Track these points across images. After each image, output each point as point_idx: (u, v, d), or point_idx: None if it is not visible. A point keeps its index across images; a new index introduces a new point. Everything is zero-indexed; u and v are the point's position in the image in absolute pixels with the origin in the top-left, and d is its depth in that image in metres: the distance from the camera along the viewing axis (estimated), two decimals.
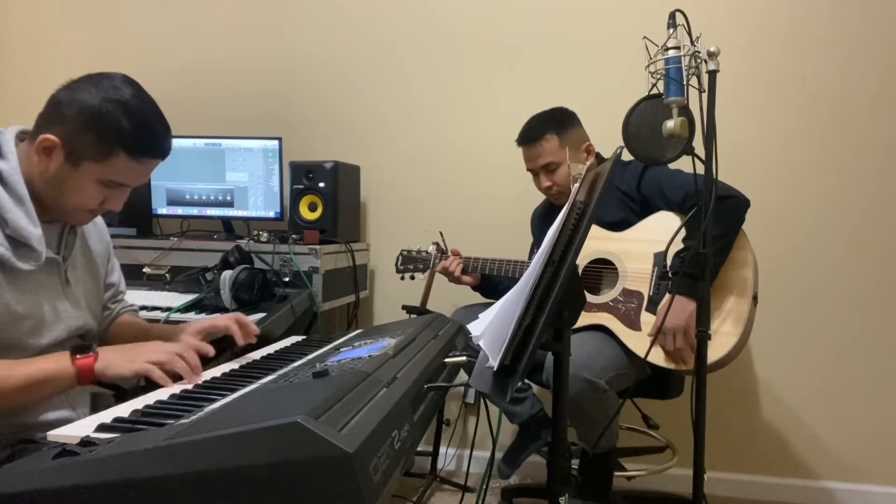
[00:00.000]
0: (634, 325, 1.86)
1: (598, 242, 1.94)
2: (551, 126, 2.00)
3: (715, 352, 1.72)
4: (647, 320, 1.85)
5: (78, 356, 1.08)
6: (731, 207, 1.78)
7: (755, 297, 1.80)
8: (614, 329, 1.87)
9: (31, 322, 1.16)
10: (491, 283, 2.18)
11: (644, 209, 1.95)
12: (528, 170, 2.09)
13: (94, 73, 1.17)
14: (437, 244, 2.21)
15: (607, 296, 1.93)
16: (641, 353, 1.80)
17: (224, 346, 1.40)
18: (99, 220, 1.43)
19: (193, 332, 1.35)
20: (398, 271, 2.22)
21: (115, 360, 1.08)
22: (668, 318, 1.73)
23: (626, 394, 1.84)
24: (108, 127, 1.12)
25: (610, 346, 1.84)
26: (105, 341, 1.44)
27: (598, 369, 1.73)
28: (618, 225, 1.95)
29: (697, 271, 1.63)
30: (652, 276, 1.89)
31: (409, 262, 2.21)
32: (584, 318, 1.90)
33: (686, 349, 1.76)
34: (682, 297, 1.75)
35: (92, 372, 1.07)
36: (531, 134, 2.03)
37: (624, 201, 1.97)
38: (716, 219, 1.67)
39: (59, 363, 1.07)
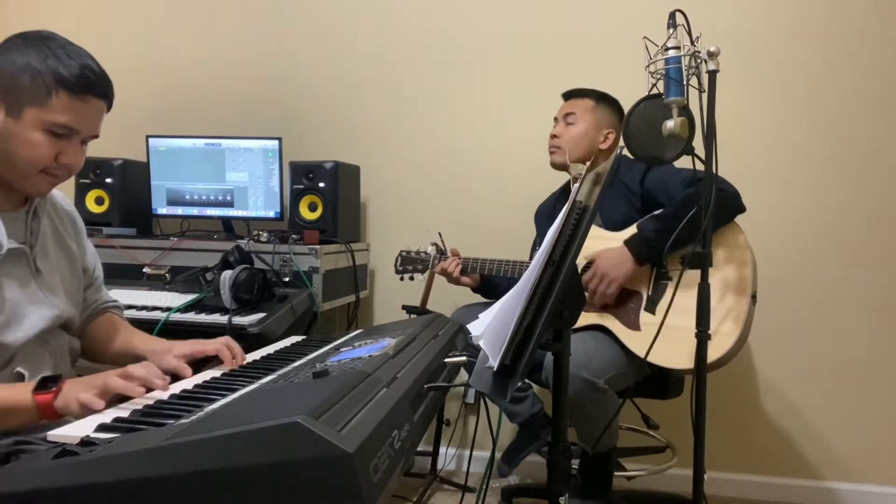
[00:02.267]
0: (633, 324, 1.86)
1: (597, 242, 1.94)
2: (596, 94, 2.11)
3: (714, 351, 1.72)
4: (647, 320, 1.85)
5: (38, 391, 1.01)
6: (719, 199, 1.73)
7: (754, 297, 1.80)
8: (613, 329, 1.87)
9: (2, 318, 1.13)
10: (490, 284, 2.18)
11: (644, 205, 1.95)
12: (554, 118, 2.14)
13: (13, 34, 1.15)
14: (435, 245, 2.21)
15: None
16: (641, 353, 1.80)
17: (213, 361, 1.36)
18: (68, 203, 1.39)
19: (180, 354, 1.29)
20: (397, 272, 2.22)
21: (70, 398, 0.99)
22: (604, 261, 1.84)
23: (626, 394, 1.84)
24: (43, 69, 1.10)
25: (609, 346, 1.84)
26: (85, 341, 1.40)
27: (597, 369, 1.74)
28: (622, 224, 1.95)
29: (656, 241, 1.78)
30: (651, 275, 1.89)
31: (409, 263, 2.21)
32: (583, 318, 1.90)
33: (601, 298, 1.85)
34: (631, 253, 1.82)
35: (52, 408, 1.00)
36: (576, 91, 2.14)
37: (627, 196, 1.97)
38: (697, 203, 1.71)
39: (20, 395, 1.01)
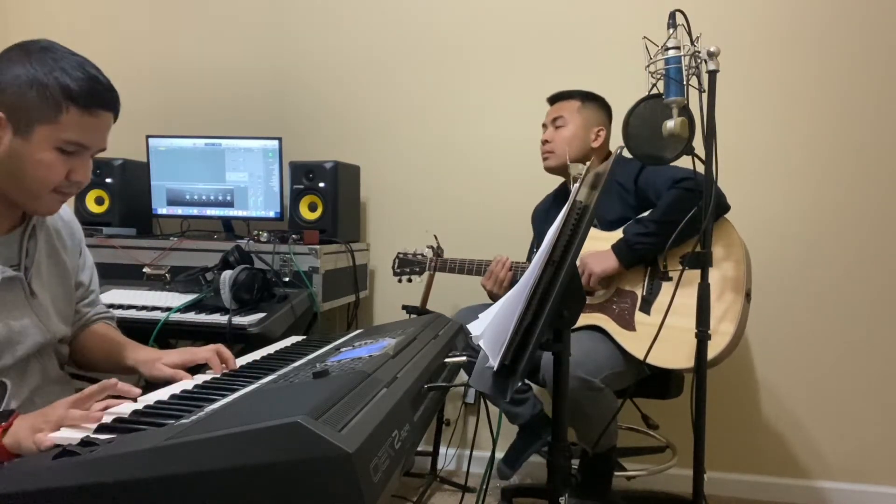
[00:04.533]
0: (629, 325, 1.86)
1: (591, 242, 1.95)
2: (580, 94, 2.10)
3: (709, 350, 1.71)
4: (641, 320, 1.85)
5: None
6: (696, 200, 1.72)
7: (748, 295, 1.81)
8: (609, 329, 1.88)
9: None
10: None
11: (639, 203, 1.95)
12: (542, 124, 2.14)
13: (11, 45, 1.10)
14: (431, 247, 2.22)
15: (601, 296, 1.94)
16: (635, 353, 1.81)
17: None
18: (68, 212, 1.35)
19: (170, 363, 1.25)
20: (395, 274, 2.23)
21: (24, 435, 0.89)
22: (589, 256, 1.89)
23: (627, 393, 1.84)
24: (51, 84, 1.04)
25: (605, 346, 1.85)
26: (76, 351, 1.37)
27: (593, 368, 1.74)
28: (617, 223, 1.95)
29: (639, 244, 1.84)
30: (645, 276, 1.90)
31: (406, 266, 2.22)
32: (579, 319, 1.90)
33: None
34: (614, 254, 1.87)
35: (3, 447, 0.90)
36: (561, 94, 2.13)
37: (621, 195, 1.98)
38: (678, 205, 1.76)
39: None
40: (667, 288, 1.84)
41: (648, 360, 1.79)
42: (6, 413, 0.97)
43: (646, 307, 1.86)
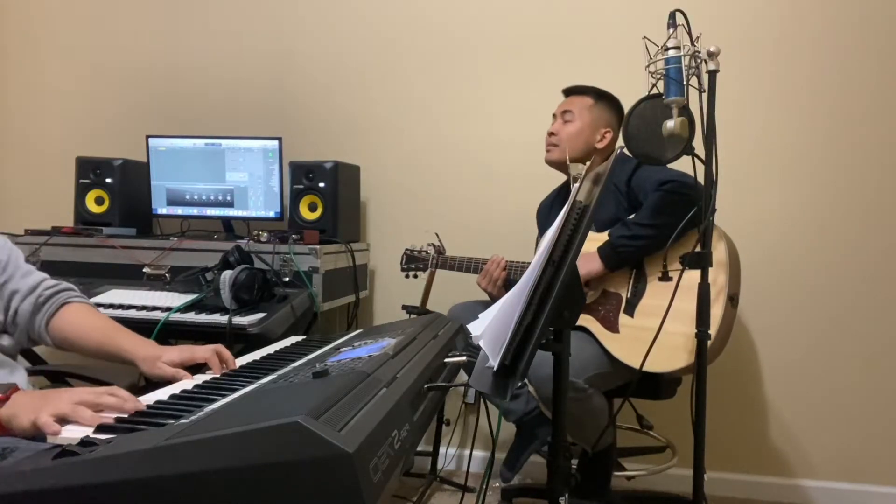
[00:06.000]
0: (613, 327, 1.86)
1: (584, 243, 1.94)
2: (595, 92, 2.08)
3: (691, 355, 1.70)
4: (626, 322, 1.85)
5: None
6: (688, 200, 1.70)
7: (732, 299, 1.78)
8: (593, 330, 1.88)
9: None
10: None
11: (630, 204, 1.95)
12: (552, 114, 2.13)
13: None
14: (433, 245, 2.24)
15: (589, 297, 1.93)
16: (618, 355, 1.81)
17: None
18: None
19: (170, 361, 1.25)
20: (402, 269, 2.26)
21: (21, 410, 0.90)
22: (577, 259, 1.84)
23: (627, 394, 1.84)
24: None
25: (590, 346, 1.84)
26: (59, 340, 1.35)
27: (577, 368, 1.73)
28: (610, 223, 1.94)
29: (623, 248, 1.82)
30: (630, 278, 1.89)
31: (412, 262, 2.24)
32: None
33: None
34: (600, 257, 1.85)
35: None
36: (576, 88, 2.12)
37: (614, 195, 1.97)
38: (662, 209, 1.75)
39: None
40: (651, 290, 1.84)
41: (629, 363, 1.78)
42: (5, 386, 0.98)
43: (629, 309, 1.86)
